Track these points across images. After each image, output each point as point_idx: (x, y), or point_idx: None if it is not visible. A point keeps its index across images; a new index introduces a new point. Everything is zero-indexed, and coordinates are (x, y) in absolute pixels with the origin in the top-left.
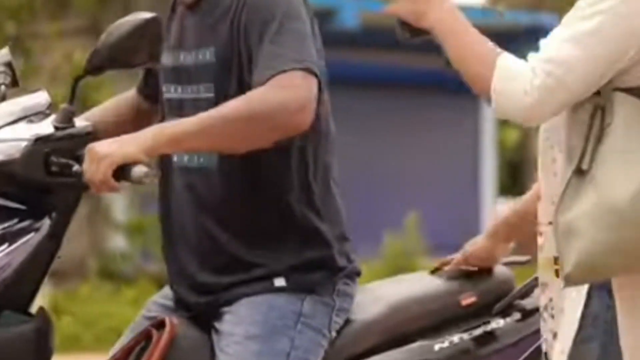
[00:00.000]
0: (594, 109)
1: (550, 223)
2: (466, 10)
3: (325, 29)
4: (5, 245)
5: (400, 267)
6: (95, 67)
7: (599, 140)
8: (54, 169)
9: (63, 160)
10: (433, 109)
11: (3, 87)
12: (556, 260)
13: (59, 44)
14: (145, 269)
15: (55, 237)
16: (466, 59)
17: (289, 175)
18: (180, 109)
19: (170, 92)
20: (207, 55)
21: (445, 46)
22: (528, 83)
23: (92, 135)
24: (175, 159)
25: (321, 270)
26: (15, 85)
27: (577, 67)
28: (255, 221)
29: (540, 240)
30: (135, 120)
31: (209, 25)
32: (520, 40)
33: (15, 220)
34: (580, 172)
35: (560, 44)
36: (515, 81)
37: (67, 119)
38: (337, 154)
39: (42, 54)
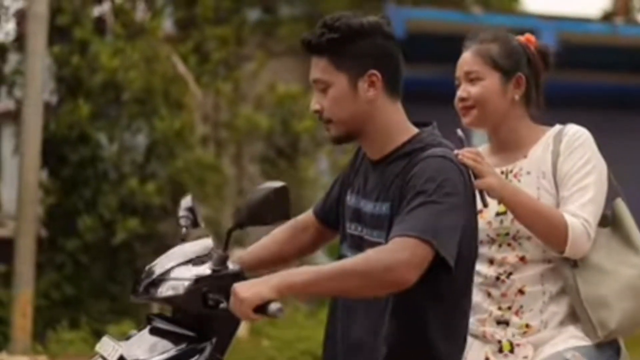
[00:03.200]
0: None
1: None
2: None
3: None
4: None
5: None
6: (239, 223)
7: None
8: (210, 303)
9: (217, 296)
10: (630, 123)
11: (185, 229)
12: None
13: (266, 67)
14: None
15: (215, 357)
16: (538, 223)
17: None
18: (360, 246)
19: (351, 229)
20: (383, 208)
21: (517, 210)
22: (587, 230)
23: (240, 275)
24: None
25: None
26: (196, 226)
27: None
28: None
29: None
30: (308, 239)
31: (386, 183)
32: None
33: (184, 345)
34: (575, 265)
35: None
36: (581, 237)
37: (221, 263)
38: None
39: (250, 81)
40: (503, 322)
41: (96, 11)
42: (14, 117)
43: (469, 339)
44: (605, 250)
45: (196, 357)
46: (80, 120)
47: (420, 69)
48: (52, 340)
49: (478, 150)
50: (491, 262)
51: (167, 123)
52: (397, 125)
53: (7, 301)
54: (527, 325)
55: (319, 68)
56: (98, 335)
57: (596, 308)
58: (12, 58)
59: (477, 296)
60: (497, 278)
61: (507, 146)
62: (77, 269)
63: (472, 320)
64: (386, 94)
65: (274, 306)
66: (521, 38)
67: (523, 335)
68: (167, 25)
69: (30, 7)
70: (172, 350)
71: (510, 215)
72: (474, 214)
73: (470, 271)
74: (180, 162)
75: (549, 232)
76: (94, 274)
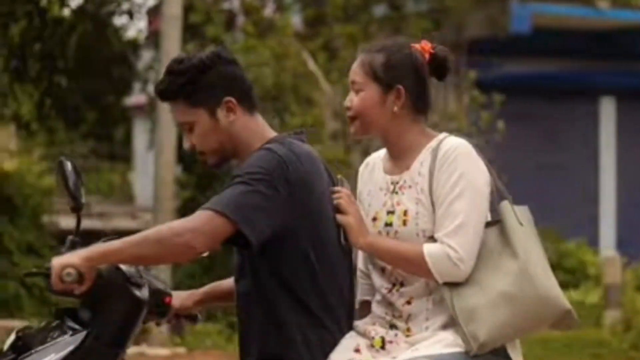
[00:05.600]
0: None
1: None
2: None
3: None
4: (52, 354)
5: None
6: (72, 209)
7: None
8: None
9: None
10: None
11: None
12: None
13: None
14: None
15: (98, 348)
16: (401, 264)
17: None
18: None
19: None
20: None
21: (379, 257)
22: (454, 260)
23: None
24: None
25: None
26: None
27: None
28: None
29: None
30: None
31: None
32: None
33: (67, 336)
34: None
35: (458, 232)
36: (444, 266)
37: (71, 247)
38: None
39: None
40: (392, 326)
41: (226, 8)
42: (147, 111)
43: (350, 333)
44: (481, 257)
45: (71, 347)
46: None
47: (546, 64)
48: (189, 332)
49: (348, 192)
50: (383, 270)
51: (299, 119)
52: (257, 135)
53: None
54: (408, 329)
55: (179, 112)
56: (233, 327)
57: (467, 320)
58: (146, 54)
59: (375, 304)
60: (392, 289)
61: (396, 155)
62: (212, 260)
63: (365, 320)
64: (243, 112)
65: (65, 271)
66: (417, 46)
67: (406, 337)
68: (296, 22)
69: (164, 7)
70: (60, 341)
71: (394, 227)
72: (313, 203)
73: (319, 258)
74: None
75: (412, 269)
76: (228, 265)
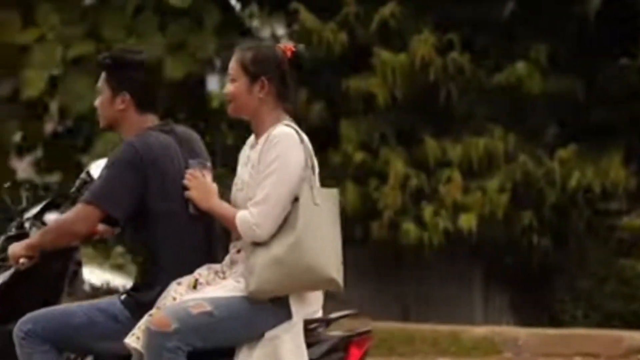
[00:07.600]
0: None
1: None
2: None
3: None
4: None
5: None
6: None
7: None
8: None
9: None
10: None
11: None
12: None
13: None
14: None
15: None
16: (227, 225)
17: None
18: None
19: None
20: None
21: (218, 220)
22: (251, 224)
23: (22, 237)
24: None
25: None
26: None
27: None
28: None
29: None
30: None
31: None
32: None
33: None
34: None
35: (261, 203)
36: (245, 229)
37: (21, 227)
38: None
39: None
40: (220, 271)
41: None
42: None
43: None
44: (281, 226)
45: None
46: None
47: None
48: None
49: (194, 172)
50: None
51: None
52: (134, 127)
53: None
54: (225, 274)
55: (100, 79)
56: None
57: (249, 272)
58: None
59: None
60: (235, 242)
61: (257, 134)
62: None
63: (209, 265)
64: (135, 109)
65: (20, 262)
66: (281, 45)
67: (220, 281)
68: None
69: None
70: None
71: (237, 193)
72: (164, 182)
73: (170, 230)
74: None
75: (233, 230)
76: None
